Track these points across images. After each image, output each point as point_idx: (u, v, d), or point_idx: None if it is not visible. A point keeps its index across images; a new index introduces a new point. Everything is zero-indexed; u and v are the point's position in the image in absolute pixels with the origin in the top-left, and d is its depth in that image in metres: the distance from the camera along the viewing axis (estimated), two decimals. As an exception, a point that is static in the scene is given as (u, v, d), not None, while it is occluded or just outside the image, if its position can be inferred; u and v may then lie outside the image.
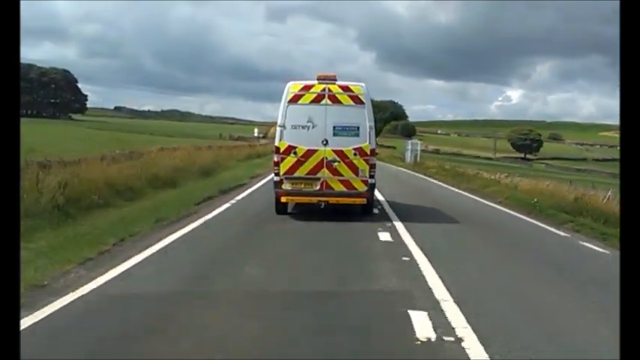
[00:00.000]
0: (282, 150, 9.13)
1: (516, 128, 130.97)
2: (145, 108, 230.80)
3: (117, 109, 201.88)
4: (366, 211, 9.70)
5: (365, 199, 9.36)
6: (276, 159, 9.21)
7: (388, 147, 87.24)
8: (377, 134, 62.13)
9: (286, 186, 9.18)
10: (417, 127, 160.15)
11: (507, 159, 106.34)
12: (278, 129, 9.22)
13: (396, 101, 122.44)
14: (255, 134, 64.55)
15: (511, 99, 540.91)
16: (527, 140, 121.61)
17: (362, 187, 9.18)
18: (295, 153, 9.08)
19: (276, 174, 9.20)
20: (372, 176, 9.24)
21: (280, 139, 9.15)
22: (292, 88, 9.23)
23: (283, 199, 9.31)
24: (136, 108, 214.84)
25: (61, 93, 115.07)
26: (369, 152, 9.19)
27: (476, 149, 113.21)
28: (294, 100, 9.15)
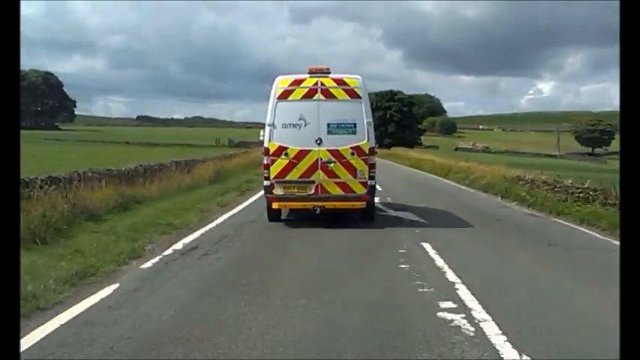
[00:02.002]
0: (272, 151, 9.44)
1: (582, 119, 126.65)
2: (171, 116, 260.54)
3: (139, 118, 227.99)
4: (366, 217, 9.97)
5: (364, 203, 9.60)
6: (265, 161, 9.51)
7: (428, 147, 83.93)
8: (421, 132, 65.90)
9: (278, 191, 9.49)
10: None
11: (574, 155, 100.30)
12: (267, 128, 9.51)
13: (432, 95, 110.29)
14: (261, 138, 62.35)
15: (542, 92, 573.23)
16: (596, 132, 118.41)
17: (361, 190, 9.46)
18: (286, 154, 9.40)
19: (266, 178, 9.49)
20: (371, 177, 9.50)
21: (270, 140, 9.46)
22: (281, 83, 9.54)
23: (275, 205, 9.67)
24: (159, 116, 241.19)
25: (43, 99, 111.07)
26: (367, 151, 9.44)
27: (531, 145, 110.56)
28: (284, 96, 9.47)
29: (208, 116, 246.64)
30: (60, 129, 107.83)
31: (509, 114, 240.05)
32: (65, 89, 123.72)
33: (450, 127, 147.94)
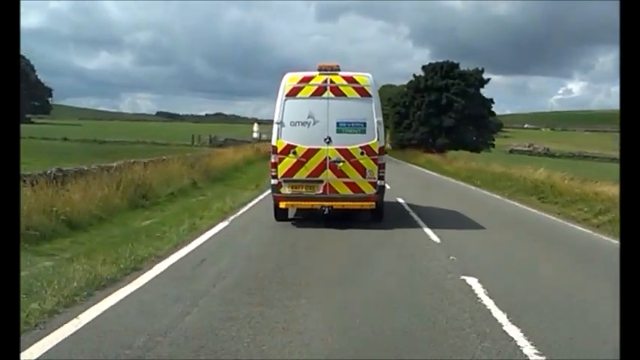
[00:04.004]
0: (280, 150, 9.63)
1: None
2: (190, 113, 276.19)
3: (159, 114, 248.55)
4: (375, 218, 10.16)
5: (374, 203, 9.76)
6: (273, 160, 9.70)
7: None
8: (495, 128, 45.88)
9: (285, 190, 9.68)
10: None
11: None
12: (275, 126, 9.68)
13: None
14: (255, 135, 51.19)
15: (572, 92, 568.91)
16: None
17: (370, 190, 9.64)
18: (295, 153, 9.58)
19: (274, 177, 9.68)
20: (381, 177, 9.66)
21: (278, 138, 9.64)
22: (290, 80, 9.73)
23: (282, 205, 9.85)
24: (179, 113, 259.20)
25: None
26: (377, 151, 9.60)
27: (595, 147, 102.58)
28: (293, 93, 9.66)
29: (230, 113, 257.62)
30: (34, 122, 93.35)
31: (543, 112, 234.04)
32: (39, 76, 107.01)
33: (496, 126, 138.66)
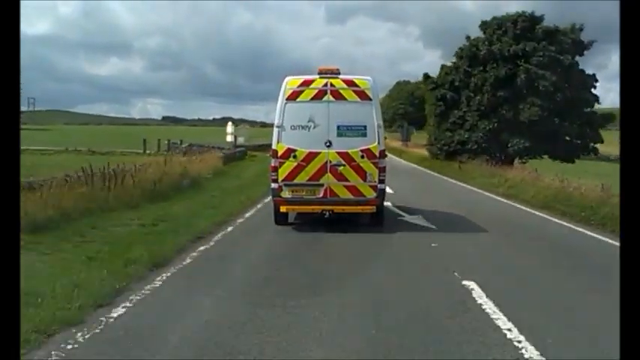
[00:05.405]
0: (280, 153, 9.62)
1: None
2: (198, 117, 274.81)
3: (165, 118, 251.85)
4: (375, 222, 10.10)
5: (374, 207, 9.73)
6: (274, 163, 9.68)
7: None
8: (601, 122, 27.55)
9: (286, 194, 9.66)
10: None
11: None
12: (275, 130, 9.69)
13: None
14: (229, 138, 38.59)
15: None
16: None
17: (370, 194, 9.60)
18: (295, 156, 9.57)
19: (274, 180, 9.66)
20: (381, 181, 9.63)
21: (278, 142, 9.63)
22: (290, 83, 9.75)
23: (283, 209, 9.81)
24: (186, 117, 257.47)
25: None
26: (377, 154, 9.59)
27: None
28: (293, 97, 9.67)
29: (239, 117, 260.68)
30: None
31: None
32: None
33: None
